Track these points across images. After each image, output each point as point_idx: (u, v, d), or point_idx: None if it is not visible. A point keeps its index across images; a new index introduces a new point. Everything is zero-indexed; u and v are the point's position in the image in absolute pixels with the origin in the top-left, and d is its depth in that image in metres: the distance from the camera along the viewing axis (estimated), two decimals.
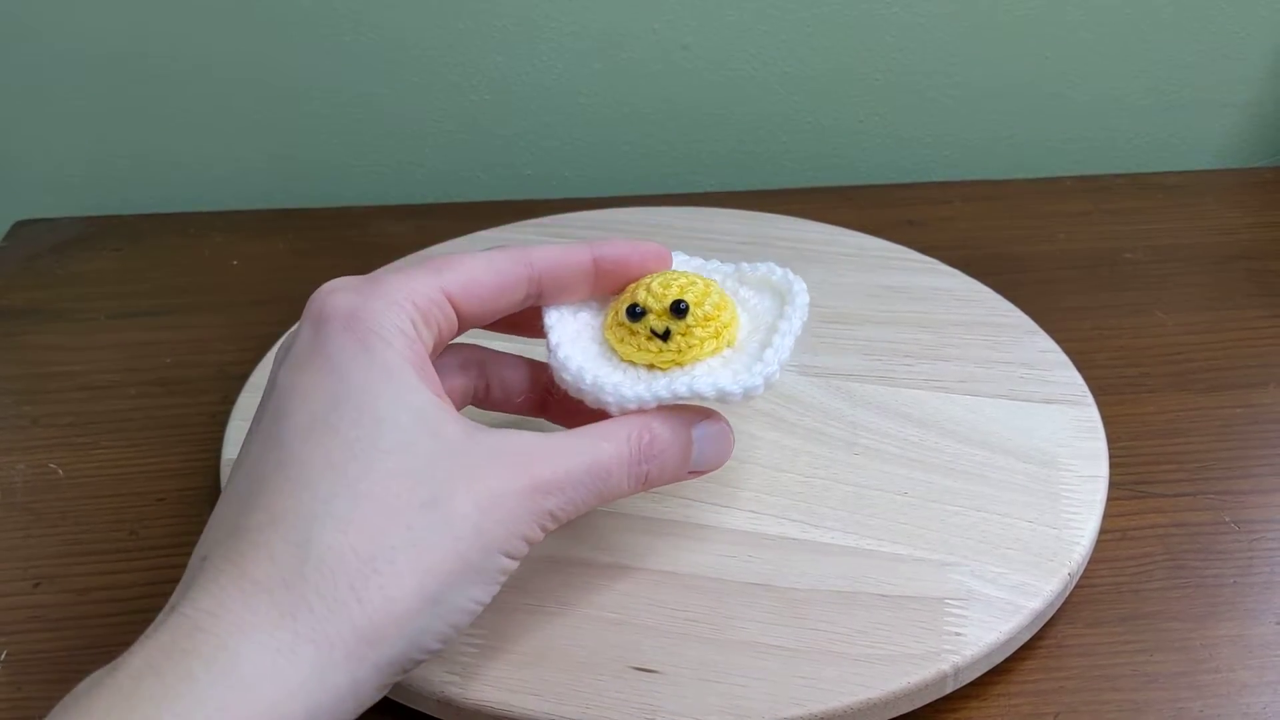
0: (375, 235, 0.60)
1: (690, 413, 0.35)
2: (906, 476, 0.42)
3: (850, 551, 0.39)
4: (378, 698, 0.28)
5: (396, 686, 0.35)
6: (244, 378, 0.48)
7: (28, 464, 0.47)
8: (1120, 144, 0.67)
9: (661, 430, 0.33)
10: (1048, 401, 0.45)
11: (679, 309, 0.35)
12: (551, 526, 0.31)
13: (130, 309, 0.56)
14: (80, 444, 0.48)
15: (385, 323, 0.30)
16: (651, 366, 0.36)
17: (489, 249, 0.34)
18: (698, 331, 0.35)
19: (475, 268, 0.33)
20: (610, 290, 0.37)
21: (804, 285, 0.38)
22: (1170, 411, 0.48)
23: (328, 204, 0.64)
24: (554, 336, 0.36)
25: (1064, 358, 0.47)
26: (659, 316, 0.35)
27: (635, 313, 0.35)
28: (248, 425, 0.32)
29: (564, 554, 0.39)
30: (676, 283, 0.36)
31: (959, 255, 0.54)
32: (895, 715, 0.35)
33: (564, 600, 0.37)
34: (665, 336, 0.35)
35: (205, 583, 0.27)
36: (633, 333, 0.35)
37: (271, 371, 0.32)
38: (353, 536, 0.27)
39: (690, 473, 0.35)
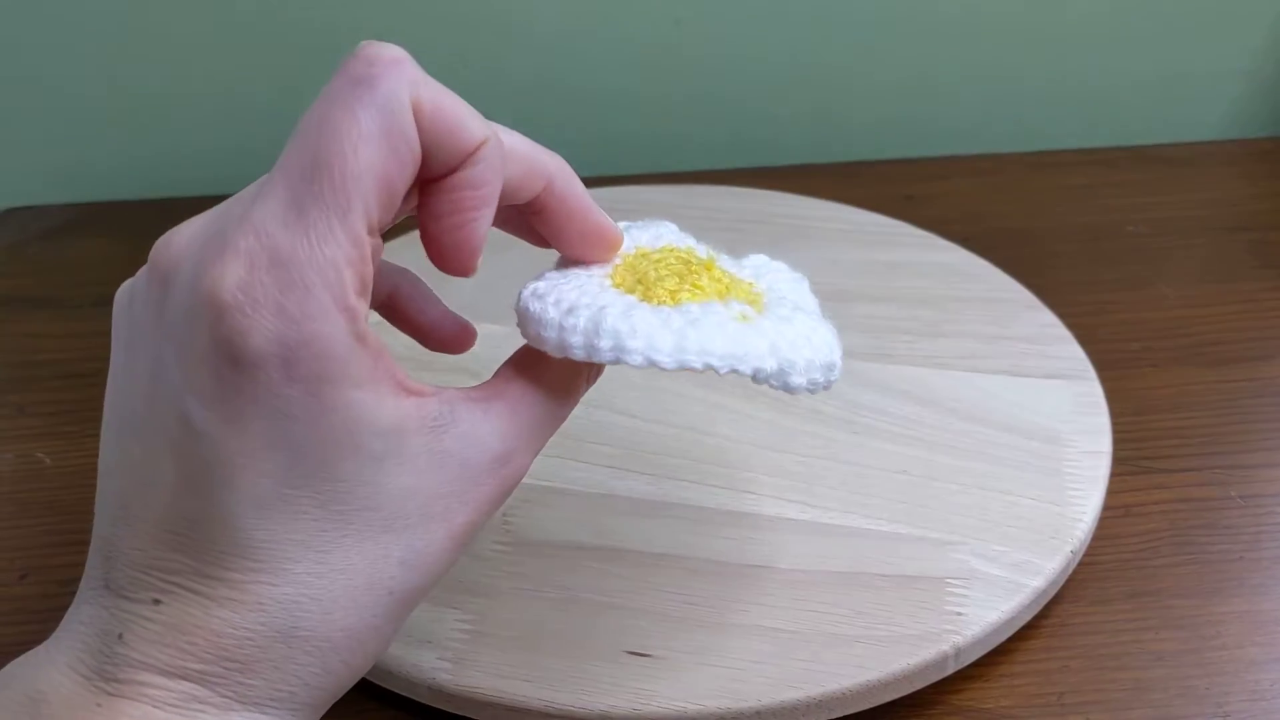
0: None
1: None
2: (906, 455, 0.41)
3: (850, 532, 0.38)
4: None
5: (388, 675, 0.35)
6: None
7: (15, 453, 0.46)
8: (1121, 116, 0.66)
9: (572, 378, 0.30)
10: (1049, 377, 0.44)
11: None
12: None
13: None
14: (68, 433, 0.47)
15: (333, 353, 0.24)
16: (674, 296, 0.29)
17: (366, 115, 0.24)
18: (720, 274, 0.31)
19: (387, 172, 0.24)
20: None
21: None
22: (1174, 386, 0.47)
23: None
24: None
25: (1065, 332, 0.47)
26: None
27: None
28: None
29: (555, 537, 0.38)
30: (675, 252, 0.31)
31: (959, 230, 0.53)
32: (896, 697, 0.34)
33: (557, 584, 0.37)
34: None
35: (180, 654, 0.25)
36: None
37: (123, 348, 0.28)
38: (340, 617, 0.26)
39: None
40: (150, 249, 0.28)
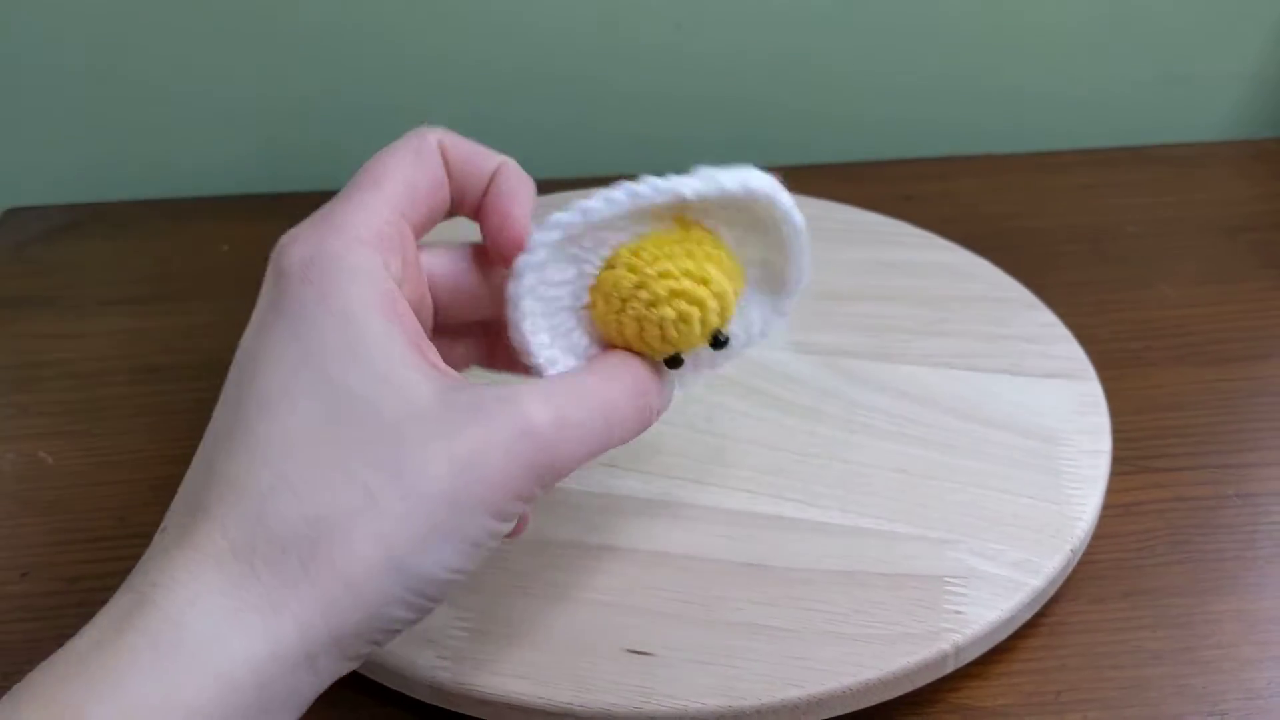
0: None
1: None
2: (905, 454, 0.41)
3: (848, 530, 0.38)
4: (344, 670, 0.27)
5: (387, 672, 0.35)
6: None
7: (17, 452, 0.46)
8: (1122, 116, 0.66)
9: (654, 382, 0.31)
10: (1049, 376, 0.44)
11: (718, 342, 0.31)
12: (552, 480, 0.28)
13: (120, 296, 0.55)
14: (70, 432, 0.47)
15: (346, 266, 0.28)
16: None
17: (401, 144, 0.32)
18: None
19: (411, 174, 0.31)
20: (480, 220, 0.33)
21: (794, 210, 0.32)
22: (1173, 385, 0.47)
23: (318, 188, 0.64)
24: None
25: (1065, 332, 0.47)
26: (694, 344, 0.31)
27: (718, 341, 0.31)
28: None
29: (553, 535, 0.38)
30: (717, 296, 0.30)
31: (958, 230, 0.53)
32: (895, 696, 0.34)
33: (555, 583, 0.37)
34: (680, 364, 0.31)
35: (158, 555, 0.26)
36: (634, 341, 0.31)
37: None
38: (305, 505, 0.26)
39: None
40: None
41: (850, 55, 0.64)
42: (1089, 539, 0.39)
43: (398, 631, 0.27)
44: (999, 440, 0.41)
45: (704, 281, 0.30)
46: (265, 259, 0.52)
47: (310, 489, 0.26)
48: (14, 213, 0.62)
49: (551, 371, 0.31)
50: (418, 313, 0.31)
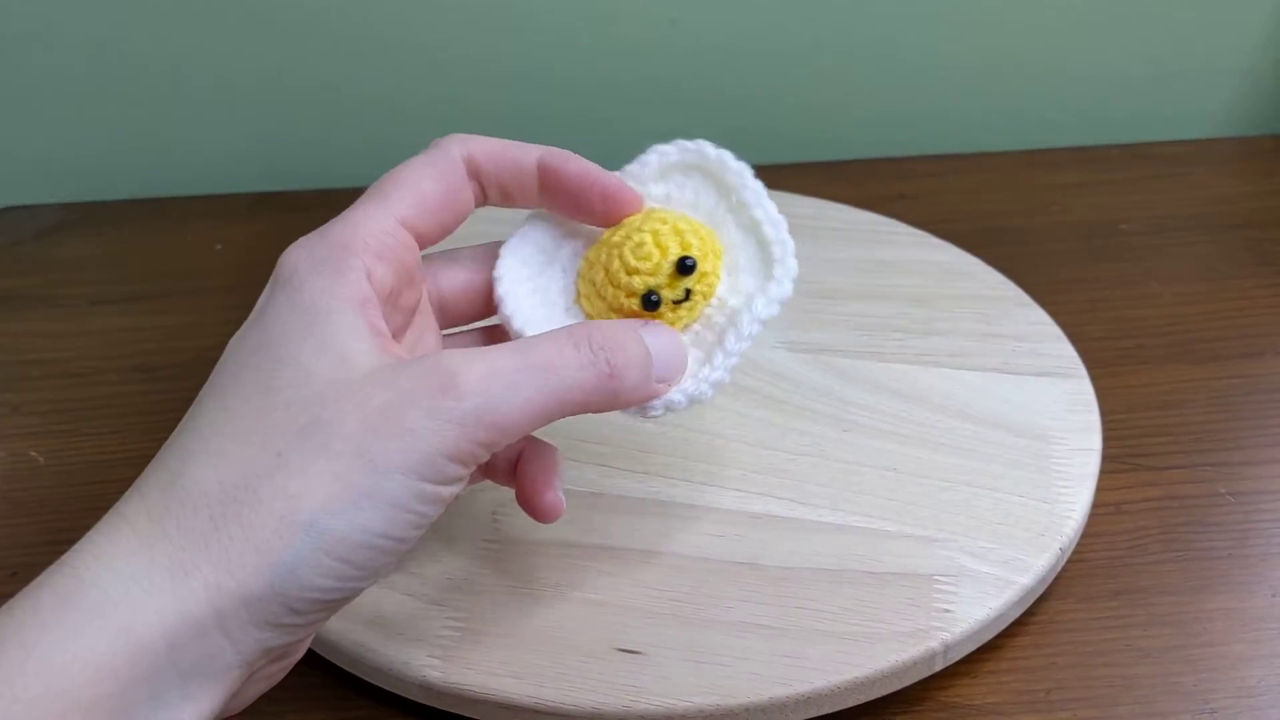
0: None
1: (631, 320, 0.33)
2: (896, 452, 0.41)
3: (838, 529, 0.38)
4: (271, 640, 0.26)
5: (377, 672, 0.35)
6: None
7: (7, 452, 0.46)
8: (1115, 114, 0.66)
9: (608, 326, 0.31)
10: (1040, 374, 0.44)
11: (685, 266, 0.32)
12: (492, 436, 0.27)
13: (112, 295, 0.55)
14: (61, 431, 0.47)
15: (325, 270, 0.29)
16: None
17: (420, 156, 0.33)
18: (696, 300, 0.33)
19: (420, 183, 0.32)
20: (558, 207, 0.35)
21: (793, 259, 0.36)
22: (1165, 383, 0.47)
23: (310, 186, 0.64)
24: (508, 303, 0.34)
25: (1056, 330, 0.47)
26: (660, 277, 0.33)
27: (650, 300, 0.32)
28: None
29: (545, 535, 0.38)
30: (676, 232, 0.33)
31: (951, 228, 0.54)
32: (884, 694, 0.34)
33: (546, 582, 0.37)
34: (656, 305, 0.33)
35: (91, 531, 0.26)
36: (611, 297, 0.33)
37: None
38: (221, 468, 0.26)
39: (657, 384, 0.32)
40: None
41: (844, 53, 0.64)
42: (1079, 537, 0.39)
43: (329, 602, 0.26)
44: (990, 438, 0.41)
45: (663, 221, 0.34)
46: (258, 258, 0.52)
47: (227, 454, 0.26)
48: (7, 212, 0.62)
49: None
50: (413, 313, 0.32)
